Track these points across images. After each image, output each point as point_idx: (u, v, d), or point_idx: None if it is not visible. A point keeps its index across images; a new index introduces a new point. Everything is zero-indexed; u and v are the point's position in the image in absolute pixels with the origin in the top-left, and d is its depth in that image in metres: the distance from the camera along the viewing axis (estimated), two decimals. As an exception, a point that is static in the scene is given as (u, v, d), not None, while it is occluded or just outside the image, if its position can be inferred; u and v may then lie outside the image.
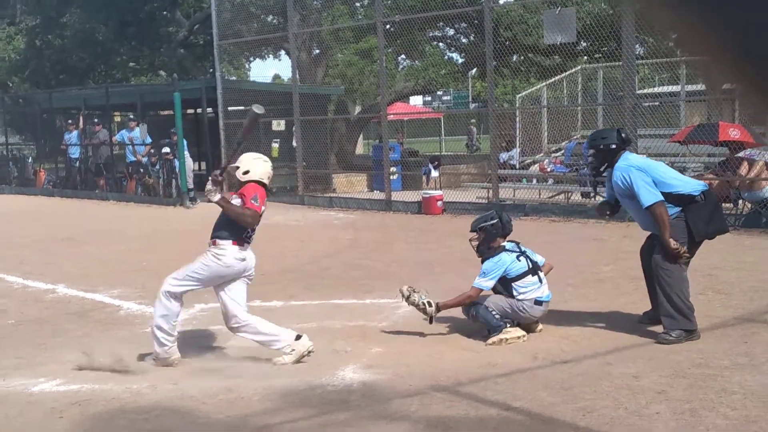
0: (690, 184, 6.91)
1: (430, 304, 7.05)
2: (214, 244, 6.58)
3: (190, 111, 23.60)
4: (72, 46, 35.12)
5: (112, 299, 9.21)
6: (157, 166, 20.62)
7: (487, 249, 7.24)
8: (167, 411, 5.50)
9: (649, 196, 6.68)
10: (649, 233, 7.05)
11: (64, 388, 5.99)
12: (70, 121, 24.69)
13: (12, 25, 44.87)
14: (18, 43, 42.03)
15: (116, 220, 17.44)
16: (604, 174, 7.17)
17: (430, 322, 7.09)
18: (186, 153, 19.81)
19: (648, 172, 6.79)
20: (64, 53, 36.04)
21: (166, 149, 20.06)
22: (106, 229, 16.09)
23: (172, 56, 35.37)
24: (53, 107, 27.02)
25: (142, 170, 21.41)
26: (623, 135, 7.05)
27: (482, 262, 7.18)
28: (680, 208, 6.75)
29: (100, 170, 23.06)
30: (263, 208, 6.61)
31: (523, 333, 6.97)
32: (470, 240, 7.43)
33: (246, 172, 6.75)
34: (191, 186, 19.85)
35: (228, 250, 6.52)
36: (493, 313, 6.94)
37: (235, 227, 6.55)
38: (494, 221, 7.29)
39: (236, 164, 6.80)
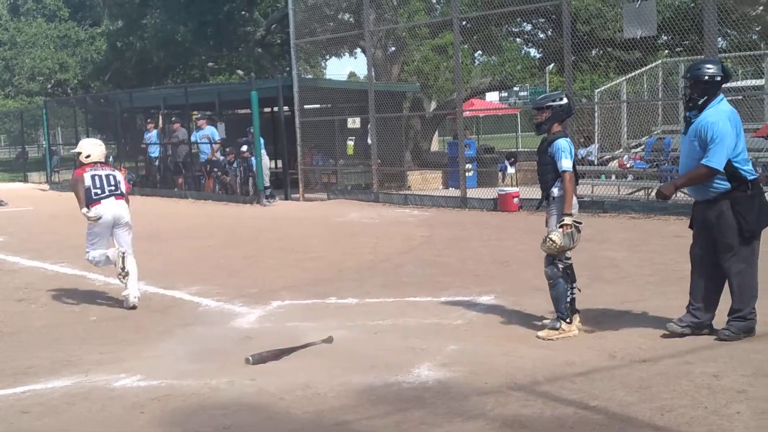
0: (750, 166, 6.67)
1: (567, 226, 6.83)
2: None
3: (267, 109, 23.84)
4: (152, 47, 35.76)
5: (191, 296, 9.34)
6: (235, 165, 20.86)
7: (548, 129, 7.07)
8: (245, 406, 5.55)
9: (721, 158, 6.42)
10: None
11: (145, 384, 6.09)
12: (149, 121, 25.14)
13: (94, 26, 45.93)
14: (100, 44, 43.00)
15: (195, 218, 17.71)
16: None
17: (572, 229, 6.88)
18: (263, 151, 20.02)
19: (736, 131, 6.51)
20: (145, 54, 36.72)
21: (244, 147, 20.28)
22: (185, 226, 16.35)
23: (250, 55, 35.78)
24: (133, 107, 27.54)
25: (216, 169, 21.68)
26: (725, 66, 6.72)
27: (548, 144, 7.01)
28: (727, 187, 6.52)
29: (178, 168, 23.43)
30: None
31: (577, 331, 6.92)
32: (533, 117, 7.25)
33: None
34: (268, 184, 20.05)
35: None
36: (567, 292, 6.90)
37: None
38: (563, 101, 7.08)
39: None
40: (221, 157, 21.59)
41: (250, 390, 5.87)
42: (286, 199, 20.48)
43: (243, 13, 33.98)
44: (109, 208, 8.88)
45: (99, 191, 8.84)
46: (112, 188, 8.94)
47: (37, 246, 13.97)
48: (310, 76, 36.26)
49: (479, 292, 8.79)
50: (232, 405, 5.59)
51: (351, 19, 25.34)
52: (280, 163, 23.07)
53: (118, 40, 38.74)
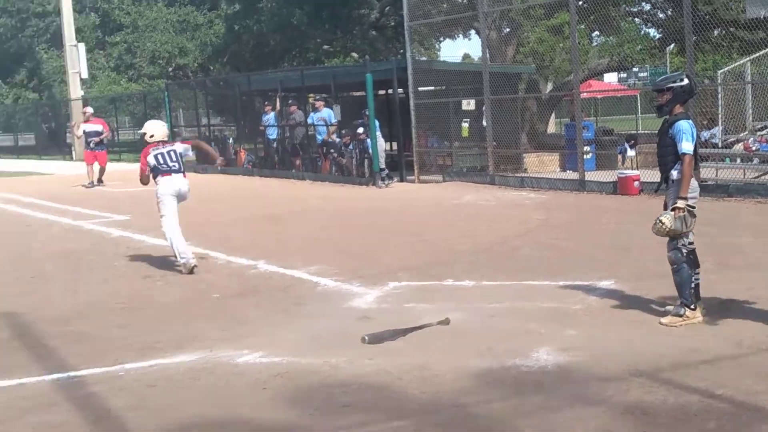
0: None
1: (679, 210, 6.70)
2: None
3: (382, 92, 23.93)
4: (268, 31, 36.28)
5: (310, 276, 9.48)
6: (351, 147, 21.02)
7: (669, 111, 6.90)
8: (364, 385, 5.62)
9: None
10: None
11: (267, 360, 6.22)
12: (267, 103, 25.54)
13: (212, 10, 46.88)
14: (218, 28, 43.88)
15: (312, 199, 17.93)
16: None
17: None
18: (378, 133, 20.11)
19: None
20: (262, 37, 37.29)
21: (360, 129, 20.42)
22: (304, 207, 16.58)
23: (364, 38, 35.96)
24: (251, 89, 28.02)
25: (333, 150, 21.89)
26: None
27: (669, 125, 6.86)
28: None
29: (296, 150, 23.76)
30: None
31: (701, 318, 6.75)
32: (653, 99, 7.10)
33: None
34: (383, 166, 20.14)
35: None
36: (691, 278, 6.75)
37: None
38: (684, 82, 6.91)
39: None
40: (337, 139, 21.79)
41: (369, 369, 5.93)
42: (402, 181, 20.55)
43: (358, -5, 34.19)
44: (172, 184, 9.96)
45: (164, 167, 9.95)
46: (174, 164, 10.02)
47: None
48: (424, 58, 36.23)
49: (599, 276, 8.66)
50: (351, 383, 5.66)
51: (465, 1, 25.18)
52: (395, 145, 23.14)
53: (235, 24, 39.47)
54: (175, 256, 10.01)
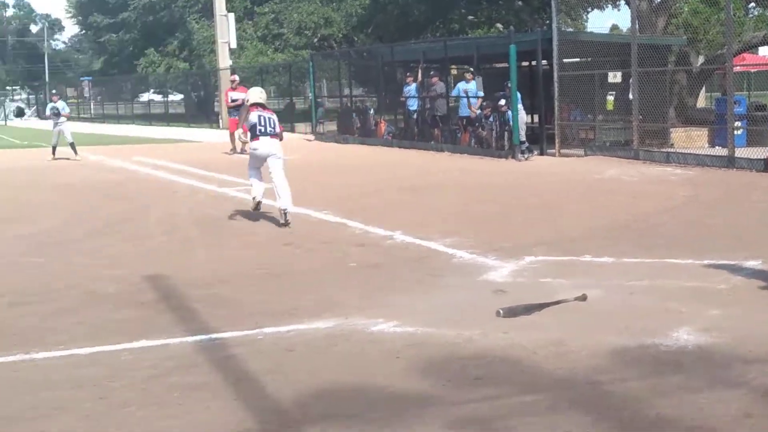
0: None
1: None
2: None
3: (525, 63, 23.60)
4: (413, 1, 36.26)
5: (445, 248, 9.47)
6: (491, 119, 20.86)
7: None
8: (498, 359, 5.58)
9: None
10: None
11: (401, 330, 6.26)
12: (409, 74, 25.58)
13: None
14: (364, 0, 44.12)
15: (451, 171, 17.90)
16: None
17: None
18: (519, 105, 19.88)
19: None
20: (406, 8, 37.31)
21: (501, 101, 20.23)
22: (441, 179, 16.57)
23: (510, 8, 35.53)
24: (394, 60, 28.11)
25: (476, 123, 21.77)
26: None
27: None
28: None
29: (436, 122, 23.74)
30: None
31: None
32: None
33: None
34: (523, 139, 19.91)
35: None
36: None
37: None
38: None
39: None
40: (478, 111, 21.65)
41: (503, 343, 5.89)
42: (542, 154, 20.28)
43: (504, -35, 33.74)
44: (264, 145, 11.51)
45: (262, 128, 11.46)
46: (271, 129, 11.55)
47: (303, 193, 14.63)
48: (570, 29, 35.50)
49: (745, 256, 8.33)
50: (485, 356, 5.63)
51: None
52: (536, 118, 22.82)
53: (381, -6, 39.63)
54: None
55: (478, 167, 18.54)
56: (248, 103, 11.94)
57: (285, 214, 11.17)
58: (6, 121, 60.88)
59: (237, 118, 23.70)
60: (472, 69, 22.86)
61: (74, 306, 7.27)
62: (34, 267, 9.01)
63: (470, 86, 21.83)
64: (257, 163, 11.87)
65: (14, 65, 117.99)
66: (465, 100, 21.93)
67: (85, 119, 59.72)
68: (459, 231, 10.45)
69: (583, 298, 6.87)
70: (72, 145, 23.11)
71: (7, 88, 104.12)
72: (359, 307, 6.94)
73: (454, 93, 22.84)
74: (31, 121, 59.12)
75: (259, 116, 11.55)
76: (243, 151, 23.57)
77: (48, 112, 25.01)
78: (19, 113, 70.70)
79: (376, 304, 7.05)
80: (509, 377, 5.28)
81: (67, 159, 22.73)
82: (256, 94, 12.18)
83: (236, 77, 26.05)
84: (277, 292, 7.70)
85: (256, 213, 11.84)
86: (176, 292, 7.76)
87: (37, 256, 9.61)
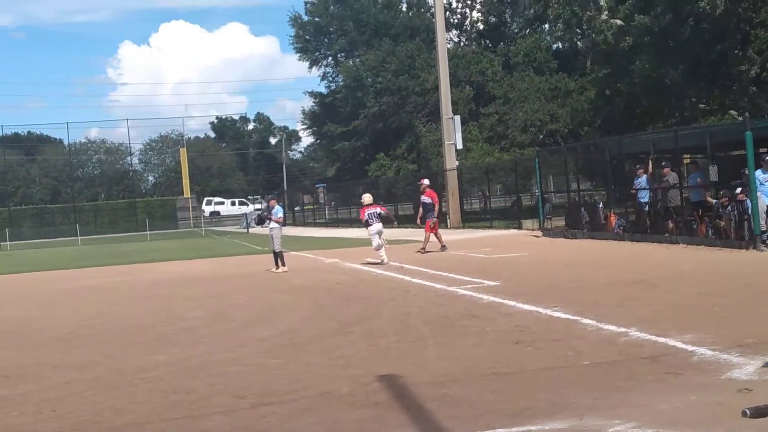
0: None
1: None
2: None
3: (763, 149, 22.61)
4: (640, 92, 35.78)
5: (684, 344, 9.06)
6: (729, 208, 20.03)
7: None
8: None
9: None
10: None
11: (639, 431, 6.00)
12: (639, 166, 25.10)
13: (582, 76, 47.17)
14: (589, 93, 44.03)
15: (686, 264, 17.25)
16: None
17: None
18: (759, 193, 19.00)
19: None
20: (632, 99, 36.85)
21: (738, 189, 19.43)
22: (677, 272, 15.99)
23: (743, 94, 34.27)
24: (622, 152, 27.69)
25: (711, 213, 20.98)
26: None
27: None
28: None
29: (669, 213, 23.06)
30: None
31: None
32: None
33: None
34: (765, 228, 18.95)
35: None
36: None
37: None
38: None
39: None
40: (714, 201, 20.86)
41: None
42: (787, 243, 19.19)
43: (736, 51, 32.67)
44: (376, 226, 22.26)
45: (373, 220, 22.29)
46: (376, 217, 22.32)
47: (532, 290, 14.54)
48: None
49: None
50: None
51: None
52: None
53: (606, 87, 39.36)
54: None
55: (716, 258, 17.76)
56: (363, 203, 22.85)
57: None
58: (248, 229, 64.54)
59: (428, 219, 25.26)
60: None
61: (311, 406, 7.47)
62: (273, 368, 9.37)
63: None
64: (375, 236, 22.50)
65: (255, 176, 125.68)
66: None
67: (320, 224, 62.36)
68: (698, 326, 9.99)
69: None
70: (276, 255, 22.33)
71: (249, 197, 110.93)
72: (594, 408, 6.72)
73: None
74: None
75: (370, 213, 22.34)
76: (443, 248, 24.63)
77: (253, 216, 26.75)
78: (260, 221, 74.81)
79: (613, 404, 6.81)
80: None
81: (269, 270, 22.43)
82: (368, 198, 22.81)
83: (425, 181, 27.27)
84: (508, 391, 7.60)
85: (485, 310, 11.82)
86: (408, 391, 7.82)
87: (275, 358, 10.00)
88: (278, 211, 23.07)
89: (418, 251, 25.31)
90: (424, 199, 26.01)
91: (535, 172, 32.99)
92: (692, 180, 22.92)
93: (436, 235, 25.58)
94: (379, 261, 22.06)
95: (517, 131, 48.08)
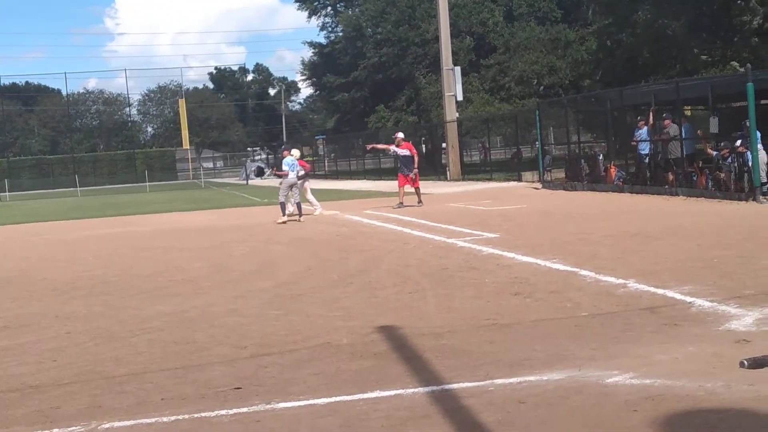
0: None
1: None
2: None
3: (765, 101, 22.51)
4: (642, 43, 35.53)
5: (683, 296, 9.09)
6: (729, 160, 19.98)
7: None
8: (743, 412, 5.26)
9: None
10: None
11: (637, 382, 6.03)
12: (640, 118, 25.00)
13: (584, 27, 46.81)
14: (590, 44, 43.71)
15: (686, 216, 17.25)
16: None
17: None
18: (759, 146, 18.95)
19: None
20: (634, 50, 36.61)
21: (738, 141, 19.37)
22: (676, 224, 15.98)
23: (745, 46, 34.05)
24: (623, 104, 27.57)
25: (711, 164, 20.94)
26: None
27: None
28: None
29: (669, 165, 23.01)
30: None
31: None
32: None
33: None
34: (765, 180, 18.93)
35: None
36: None
37: None
38: None
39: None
40: (714, 153, 20.81)
41: (748, 395, 5.55)
42: (786, 195, 19.18)
43: (739, 2, 32.38)
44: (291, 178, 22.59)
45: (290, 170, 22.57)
46: (291, 170, 22.56)
47: (531, 242, 14.56)
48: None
49: None
50: (728, 409, 5.32)
51: None
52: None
53: (607, 38, 39.08)
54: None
55: (716, 211, 17.76)
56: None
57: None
58: (248, 180, 64.48)
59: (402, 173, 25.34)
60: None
61: (311, 357, 7.51)
62: (274, 319, 9.41)
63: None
64: (285, 187, 22.86)
65: (254, 127, 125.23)
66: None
67: (319, 176, 62.32)
68: (697, 278, 10.01)
69: (839, 349, 6.41)
70: (297, 205, 22.98)
71: (248, 149, 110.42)
72: (592, 359, 6.75)
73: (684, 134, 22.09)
74: (270, 180, 62.30)
75: (292, 164, 22.93)
76: (420, 203, 24.58)
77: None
78: (259, 173, 74.79)
79: (611, 355, 6.84)
80: (757, 433, 4.97)
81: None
82: (296, 153, 22.28)
83: (399, 135, 26.95)
84: (506, 342, 7.63)
85: (484, 262, 11.84)
86: (408, 342, 7.85)
87: (275, 309, 10.03)
88: (285, 164, 23.20)
89: (396, 206, 24.79)
90: (402, 151, 25.74)
91: (535, 123, 32.87)
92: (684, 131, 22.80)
93: (416, 189, 25.29)
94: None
95: (513, 82, 47.79)
